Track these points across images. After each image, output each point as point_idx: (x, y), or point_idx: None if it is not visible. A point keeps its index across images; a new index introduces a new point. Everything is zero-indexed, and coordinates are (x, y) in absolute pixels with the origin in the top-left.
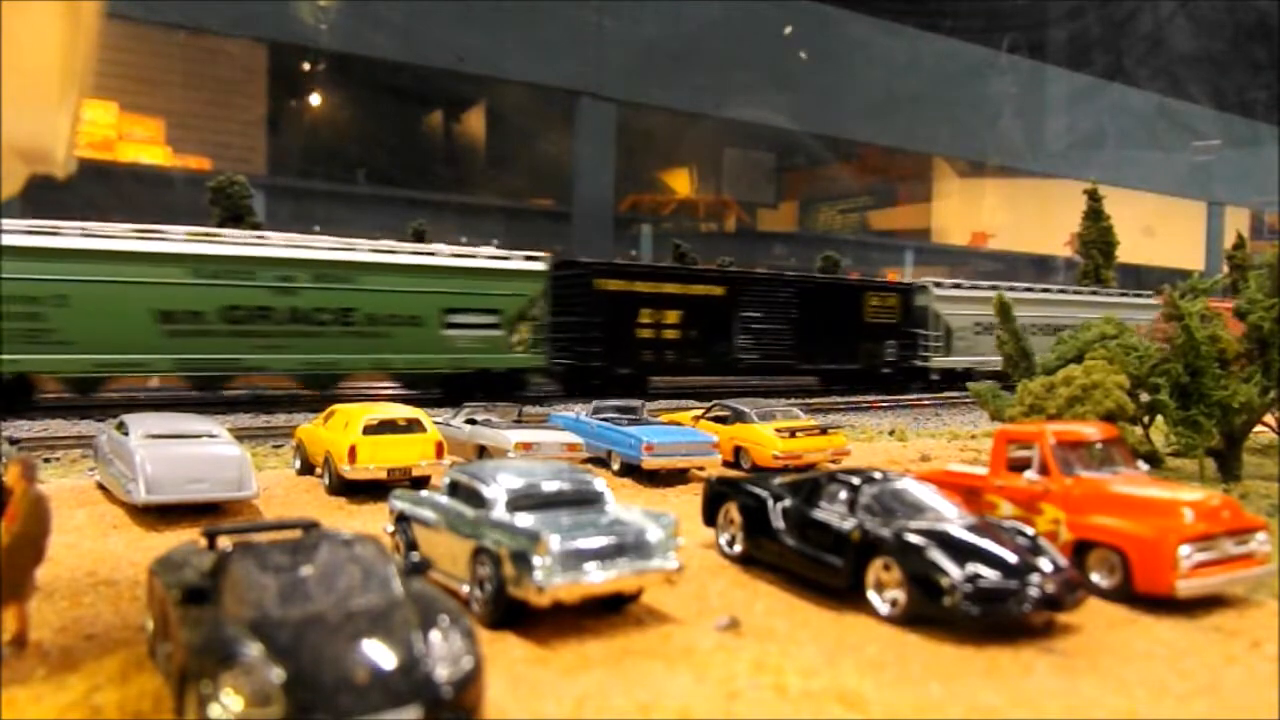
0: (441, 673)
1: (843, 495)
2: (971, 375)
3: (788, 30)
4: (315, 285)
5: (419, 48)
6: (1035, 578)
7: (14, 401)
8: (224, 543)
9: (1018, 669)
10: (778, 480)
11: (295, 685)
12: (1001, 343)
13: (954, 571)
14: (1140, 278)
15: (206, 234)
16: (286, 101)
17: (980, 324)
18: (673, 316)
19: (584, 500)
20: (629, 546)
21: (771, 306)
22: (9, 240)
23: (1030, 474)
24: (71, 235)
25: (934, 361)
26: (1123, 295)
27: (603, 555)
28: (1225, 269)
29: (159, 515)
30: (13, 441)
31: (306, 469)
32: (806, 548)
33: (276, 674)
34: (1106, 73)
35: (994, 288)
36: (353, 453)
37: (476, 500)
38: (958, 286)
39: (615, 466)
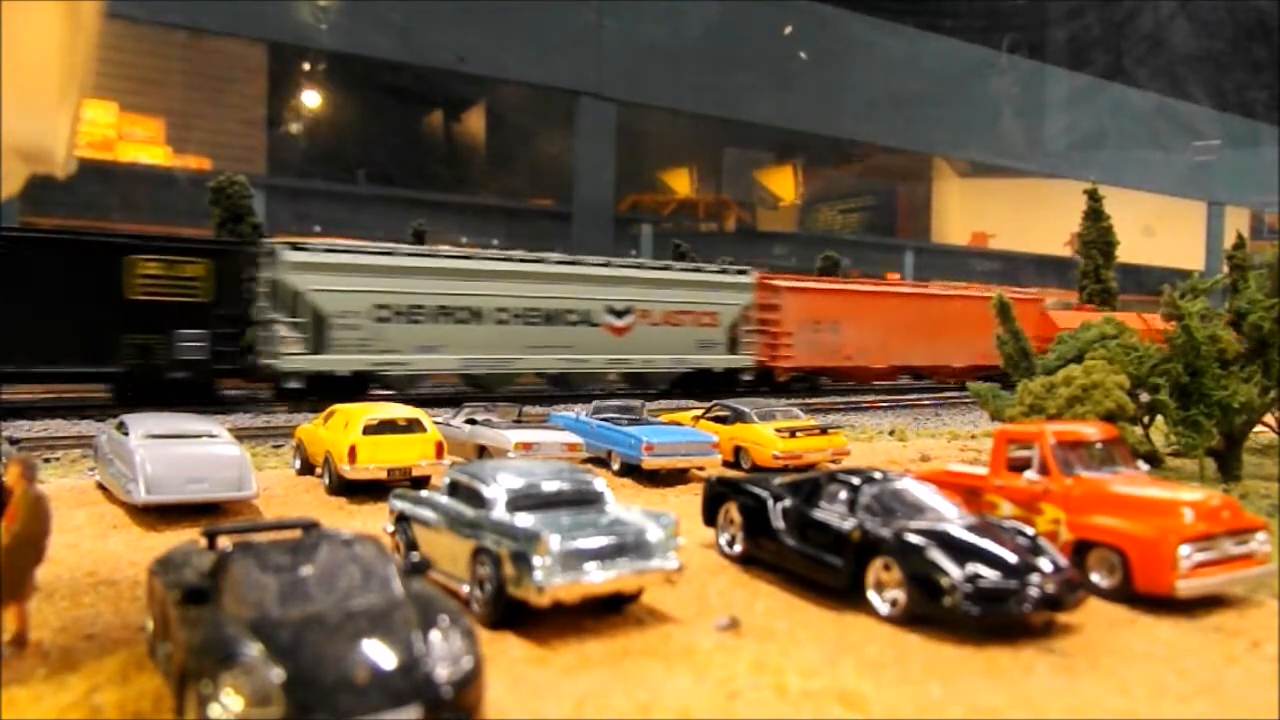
0: (441, 673)
1: (843, 495)
2: (366, 382)
3: (788, 30)
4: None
5: (419, 48)
6: (1035, 578)
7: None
8: (224, 543)
9: (1018, 669)
10: (778, 480)
11: (295, 685)
12: (1001, 343)
13: (954, 571)
14: (1140, 278)
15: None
16: (286, 101)
17: (388, 307)
18: None
19: (584, 500)
20: (629, 546)
21: None
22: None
23: (1030, 474)
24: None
25: (288, 362)
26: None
27: (603, 555)
28: (1225, 269)
29: (159, 515)
30: (13, 441)
31: (306, 469)
32: (806, 548)
33: (276, 674)
34: (1106, 73)
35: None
36: (353, 453)
37: (476, 500)
38: (336, 252)
39: (615, 466)
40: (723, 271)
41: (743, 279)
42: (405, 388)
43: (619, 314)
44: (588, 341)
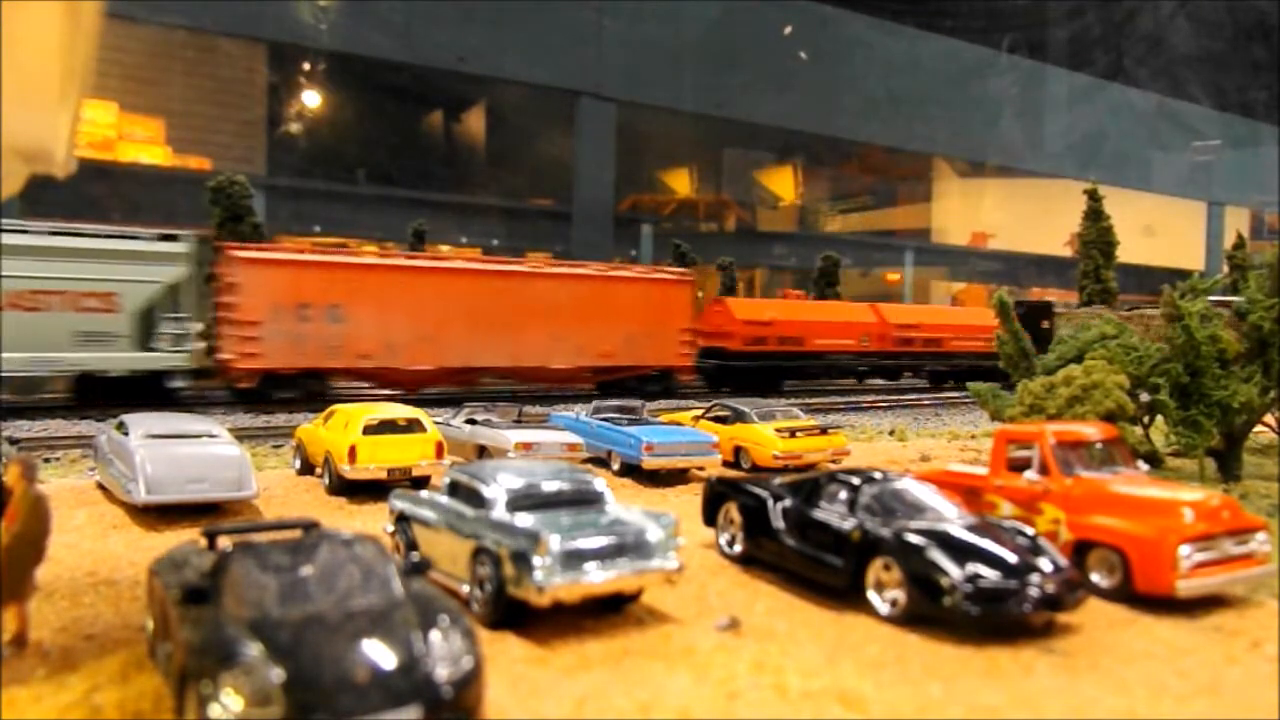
0: (441, 673)
1: (843, 495)
2: None
3: (788, 30)
4: None
5: (419, 48)
6: (1035, 578)
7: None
8: (224, 543)
9: (1018, 669)
10: (778, 480)
11: (295, 685)
12: (1001, 343)
13: (954, 571)
14: (1141, 278)
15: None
16: (286, 101)
17: None
18: None
19: (584, 500)
20: (629, 546)
21: None
22: None
23: (1030, 474)
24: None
25: None
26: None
27: (603, 555)
28: (1225, 269)
29: (159, 515)
30: (13, 441)
31: (306, 469)
32: (806, 548)
33: (276, 674)
34: (1106, 73)
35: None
36: (353, 453)
37: (476, 500)
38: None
39: (615, 466)
40: (126, 237)
41: (164, 246)
42: None
43: None
44: None
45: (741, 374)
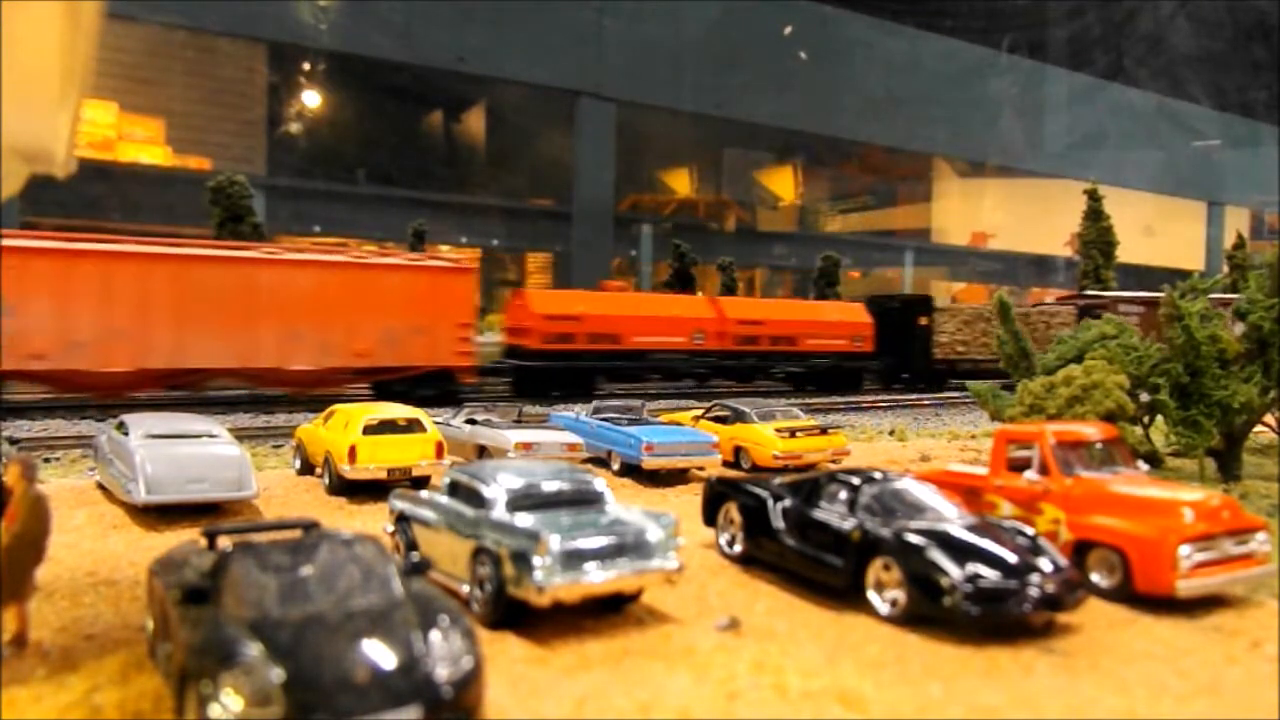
0: (441, 673)
1: (843, 495)
2: None
3: (788, 30)
4: None
5: (419, 48)
6: (1035, 578)
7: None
8: (224, 543)
9: (1018, 669)
10: (778, 480)
11: (295, 685)
12: (1001, 343)
13: (954, 571)
14: (1140, 277)
15: None
16: (286, 101)
17: None
18: None
19: (584, 500)
20: (629, 546)
21: None
22: None
23: (1030, 474)
24: None
25: None
26: None
27: (603, 555)
28: (1225, 269)
29: (159, 515)
30: (13, 441)
31: (306, 469)
32: (806, 548)
33: (276, 674)
34: (1106, 73)
35: None
36: (353, 453)
37: (476, 500)
38: None
39: (615, 466)
40: None
41: None
42: None
43: None
44: None
45: (542, 376)
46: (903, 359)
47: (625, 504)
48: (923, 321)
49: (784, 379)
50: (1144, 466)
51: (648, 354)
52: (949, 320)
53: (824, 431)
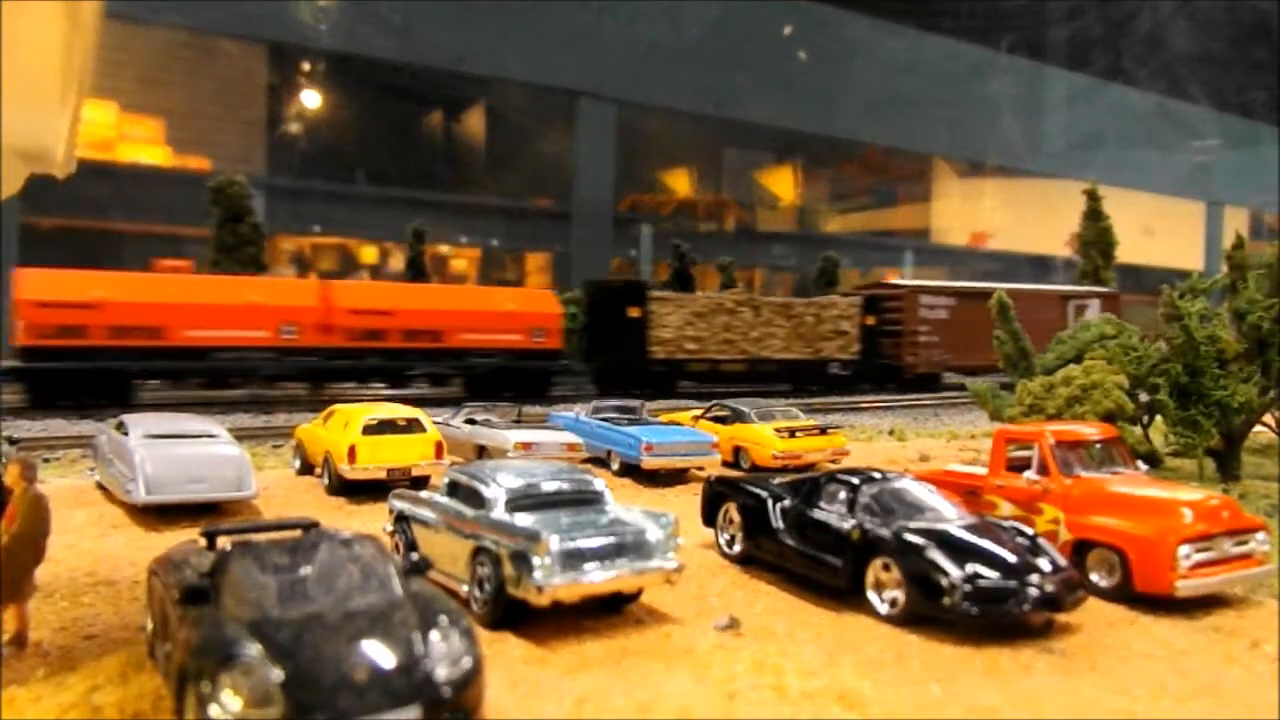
0: (441, 673)
1: (842, 495)
2: None
3: (788, 30)
4: None
5: (419, 48)
6: (1035, 578)
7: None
8: (223, 543)
9: (1017, 669)
10: (777, 480)
11: (295, 685)
12: (1001, 343)
13: (953, 571)
14: (1140, 278)
15: None
16: (286, 101)
17: None
18: None
19: (584, 500)
20: (629, 546)
21: None
22: None
23: (1030, 474)
24: None
25: None
26: None
27: (602, 555)
28: (1224, 269)
29: (159, 515)
30: (13, 441)
31: (306, 469)
32: (806, 548)
33: (276, 674)
34: (1106, 73)
35: None
36: (352, 453)
37: (476, 500)
38: None
39: (615, 466)
40: None
41: None
42: None
43: None
44: None
45: (39, 380)
46: (610, 358)
47: (625, 504)
48: (633, 313)
49: (438, 382)
50: (1143, 466)
51: (211, 352)
52: (674, 311)
53: (823, 431)
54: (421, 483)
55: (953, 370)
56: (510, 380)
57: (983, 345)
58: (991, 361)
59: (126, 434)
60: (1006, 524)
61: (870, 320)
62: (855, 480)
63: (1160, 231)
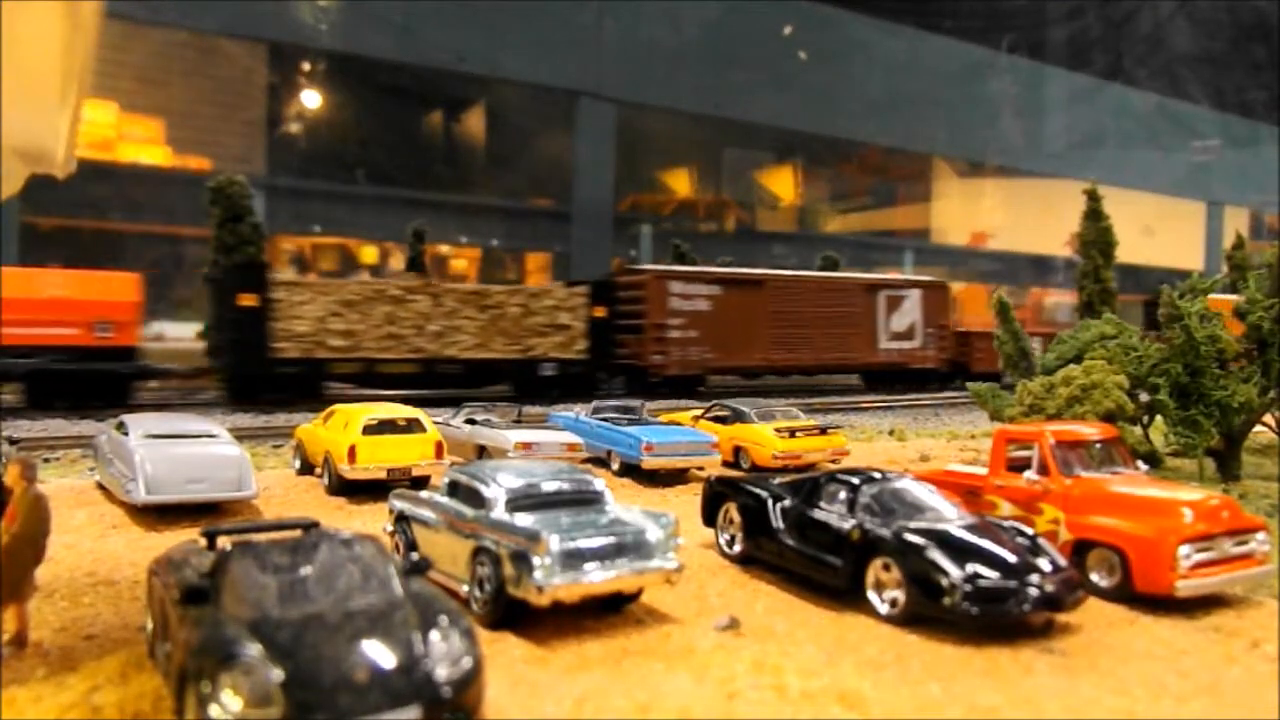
0: (441, 673)
1: (842, 495)
2: None
3: (788, 30)
4: None
5: (419, 48)
6: (1035, 578)
7: None
8: (223, 543)
9: (1017, 669)
10: (777, 480)
11: (295, 685)
12: (1001, 342)
13: (954, 571)
14: (1140, 278)
15: None
16: (286, 101)
17: None
18: None
19: (584, 500)
20: (629, 546)
21: None
22: None
23: (1030, 474)
24: None
25: None
26: None
27: (603, 555)
28: (1225, 269)
29: (159, 515)
30: (13, 441)
31: (306, 469)
32: (806, 548)
33: (276, 674)
34: (1106, 73)
35: None
36: (352, 453)
37: (476, 500)
38: None
39: (615, 466)
40: None
41: None
42: None
43: None
44: None
45: None
46: (225, 357)
47: (625, 504)
48: (246, 301)
49: None
50: (1143, 466)
51: None
52: (311, 300)
53: (823, 431)
54: (422, 483)
55: (720, 373)
56: (64, 386)
57: (760, 341)
58: (772, 361)
59: (126, 434)
60: (1006, 524)
61: (600, 312)
62: (855, 480)
63: (1160, 231)
